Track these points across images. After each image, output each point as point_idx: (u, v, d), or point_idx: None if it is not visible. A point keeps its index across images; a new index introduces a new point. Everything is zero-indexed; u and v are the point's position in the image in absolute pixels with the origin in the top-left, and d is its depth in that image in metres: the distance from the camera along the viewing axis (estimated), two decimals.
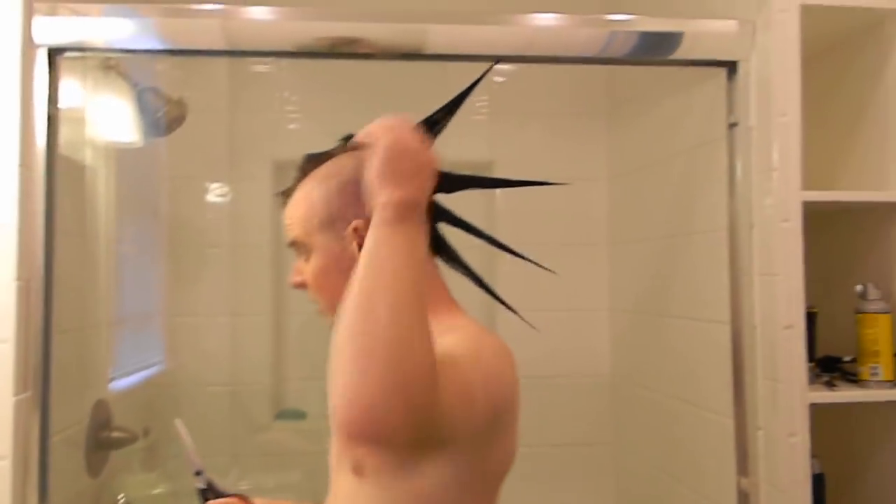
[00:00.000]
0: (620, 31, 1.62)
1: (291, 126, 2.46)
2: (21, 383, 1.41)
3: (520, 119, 2.44)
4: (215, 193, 2.47)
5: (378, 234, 0.81)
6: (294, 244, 1.05)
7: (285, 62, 2.43)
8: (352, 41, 1.59)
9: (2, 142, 1.41)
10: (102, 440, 1.77)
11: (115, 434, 1.79)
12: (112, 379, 2.03)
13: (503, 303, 1.05)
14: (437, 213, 1.03)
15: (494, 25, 1.61)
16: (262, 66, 2.49)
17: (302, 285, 1.05)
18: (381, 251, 0.80)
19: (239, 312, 2.35)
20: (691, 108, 1.88)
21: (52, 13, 1.46)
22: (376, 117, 0.91)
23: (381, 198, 0.82)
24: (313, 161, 1.06)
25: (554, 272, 1.18)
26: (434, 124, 1.02)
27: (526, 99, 2.45)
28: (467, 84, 1.06)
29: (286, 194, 1.07)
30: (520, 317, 1.06)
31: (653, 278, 2.15)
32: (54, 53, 1.49)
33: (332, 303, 0.98)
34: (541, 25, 1.61)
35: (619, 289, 2.39)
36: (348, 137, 1.05)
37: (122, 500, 1.62)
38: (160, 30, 1.53)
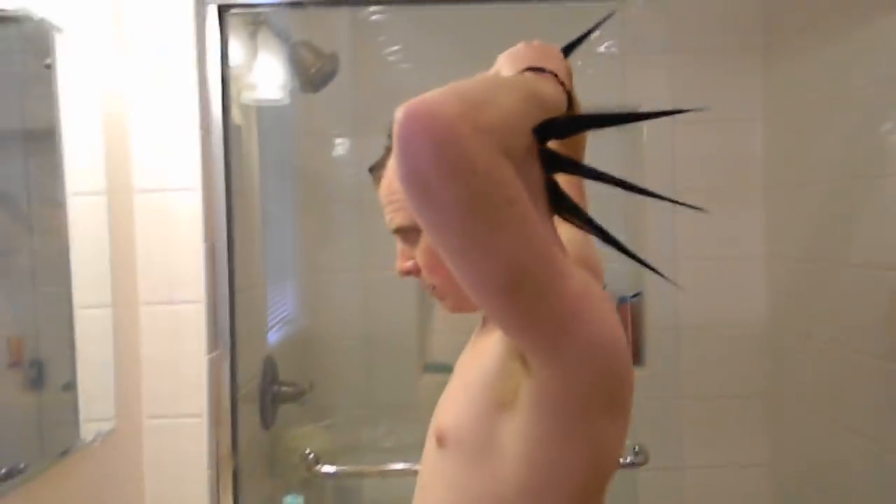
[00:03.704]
0: None
1: (416, 77, 2.41)
2: (212, 342, 1.44)
3: (662, 56, 2.31)
4: (344, 148, 2.46)
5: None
6: (400, 230, 0.91)
7: (407, 10, 2.37)
8: None
9: (182, 105, 1.42)
10: (273, 394, 1.81)
11: (285, 388, 1.83)
12: (269, 334, 2.07)
13: (640, 261, 0.87)
14: (553, 162, 0.82)
15: None
16: (380, 16, 2.43)
17: (412, 271, 0.93)
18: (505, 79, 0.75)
19: (384, 267, 2.35)
20: (881, 38, 1.72)
21: None
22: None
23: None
24: None
25: (706, 210, 1.02)
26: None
27: (668, 33, 2.31)
28: (588, 24, 0.92)
29: (379, 168, 0.93)
30: (659, 274, 0.87)
31: (822, 223, 2.02)
32: (223, 10, 1.48)
33: (451, 285, 0.87)
34: None
35: (777, 235, 2.26)
36: None
37: (310, 456, 1.65)
38: None
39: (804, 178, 2.09)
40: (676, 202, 0.88)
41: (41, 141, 1.28)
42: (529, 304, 0.68)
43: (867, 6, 1.74)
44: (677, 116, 0.97)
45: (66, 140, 1.27)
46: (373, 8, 2.40)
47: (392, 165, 0.92)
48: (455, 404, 0.87)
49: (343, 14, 2.40)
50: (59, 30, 1.23)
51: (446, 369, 2.39)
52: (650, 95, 2.28)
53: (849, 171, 1.89)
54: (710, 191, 2.31)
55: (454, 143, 0.60)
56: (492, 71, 0.88)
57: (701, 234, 2.30)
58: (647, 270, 0.88)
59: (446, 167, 0.60)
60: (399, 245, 0.95)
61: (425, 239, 0.90)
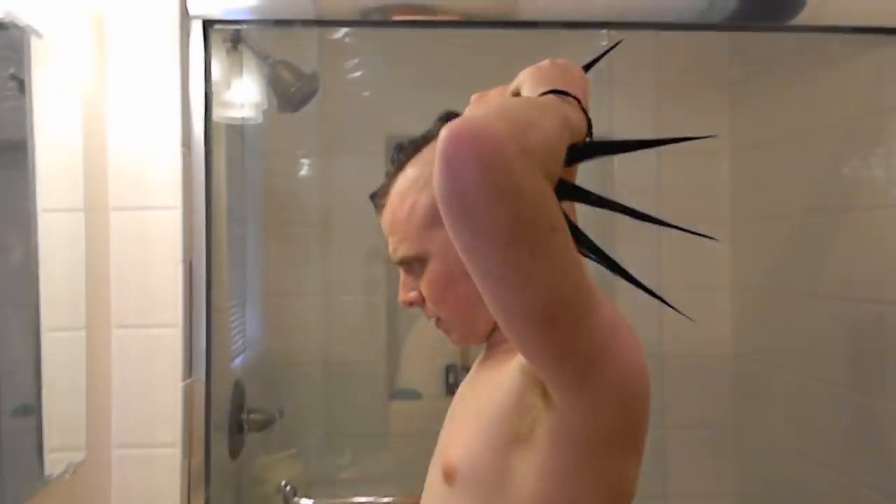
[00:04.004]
0: None
1: (382, 99, 2.39)
2: (187, 368, 1.38)
3: (627, 89, 2.34)
4: (308, 169, 2.42)
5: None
6: (405, 261, 0.90)
7: (374, 32, 2.36)
8: (435, 9, 1.51)
9: (164, 121, 1.37)
10: (242, 422, 1.74)
11: (254, 416, 1.76)
12: (233, 360, 2.01)
13: (652, 293, 0.81)
14: (561, 190, 0.79)
15: None
16: (348, 38, 2.41)
17: (416, 302, 0.92)
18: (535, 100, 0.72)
19: (349, 291, 2.31)
20: (848, 79, 1.77)
21: None
22: (471, 90, 0.86)
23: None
24: (408, 150, 0.91)
25: (716, 239, 1.03)
26: None
27: (639, 67, 2.35)
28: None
29: (381, 195, 0.91)
30: (673, 307, 0.81)
31: (788, 256, 2.06)
32: (207, 25, 1.43)
33: (459, 316, 0.89)
34: None
35: (744, 266, 2.31)
36: (447, 116, 0.89)
37: (287, 487, 1.58)
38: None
39: (770, 212, 2.14)
40: (690, 231, 0.87)
41: (10, 153, 1.22)
42: (564, 335, 0.66)
43: (836, 48, 1.80)
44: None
45: (38, 153, 1.20)
46: (343, 30, 2.38)
47: (397, 191, 0.90)
48: (464, 438, 0.84)
49: (311, 35, 2.37)
50: (38, 35, 1.17)
51: (414, 396, 2.36)
52: (617, 127, 2.31)
53: (814, 205, 1.94)
54: (677, 222, 2.33)
55: (502, 164, 0.58)
56: (512, 85, 0.86)
57: (668, 265, 2.32)
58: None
59: (493, 189, 0.58)
60: (402, 276, 0.92)
61: (431, 269, 0.88)
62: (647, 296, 0.82)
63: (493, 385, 0.83)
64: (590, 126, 0.78)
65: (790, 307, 2.04)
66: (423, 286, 0.89)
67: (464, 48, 2.12)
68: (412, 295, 0.91)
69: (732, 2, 1.55)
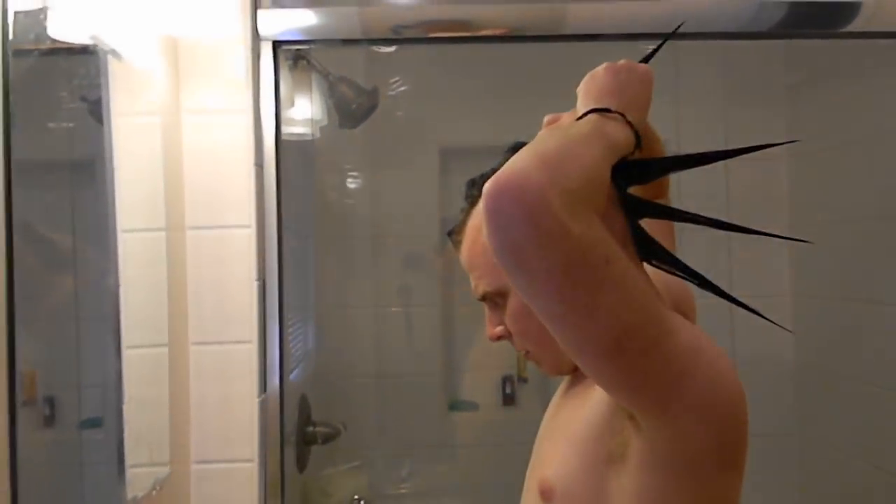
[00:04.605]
0: (769, 1, 1.48)
1: (438, 111, 2.39)
2: (262, 384, 1.40)
3: (687, 96, 2.33)
4: (365, 182, 2.43)
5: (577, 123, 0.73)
6: (487, 297, 0.90)
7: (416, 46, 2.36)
8: (484, 24, 1.51)
9: (237, 141, 1.39)
10: (308, 435, 1.76)
11: (320, 429, 1.78)
12: (295, 373, 2.03)
13: (745, 306, 0.80)
14: (636, 208, 0.79)
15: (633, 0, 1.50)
16: (399, 51, 2.41)
17: (503, 336, 0.92)
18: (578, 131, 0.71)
19: (408, 304, 2.32)
20: None
21: (276, 5, 1.42)
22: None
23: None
24: (480, 185, 0.89)
25: (809, 241, 1.01)
26: None
27: (693, 74, 2.33)
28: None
29: (458, 232, 0.92)
30: (767, 319, 0.80)
31: (850, 263, 2.03)
32: (276, 46, 1.46)
33: (543, 347, 0.89)
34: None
35: (805, 273, 2.27)
36: (515, 147, 0.87)
37: (361, 502, 1.60)
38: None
39: (830, 218, 2.11)
40: (782, 237, 0.87)
41: (85, 173, 1.24)
42: (636, 366, 0.66)
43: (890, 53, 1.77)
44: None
45: (118, 174, 1.23)
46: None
47: (472, 226, 0.90)
48: (559, 457, 0.84)
49: (359, 49, 2.39)
50: (118, 58, 1.20)
51: (471, 407, 2.37)
52: (677, 134, 2.28)
53: (877, 211, 1.90)
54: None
55: (546, 211, 0.59)
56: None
57: (727, 272, 2.30)
58: None
59: (541, 236, 0.59)
60: (487, 311, 0.93)
61: (512, 304, 0.88)
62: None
63: (586, 405, 0.84)
64: (638, 138, 0.75)
65: (852, 314, 2.01)
66: (507, 320, 0.90)
67: (515, 58, 2.13)
68: (498, 330, 0.92)
69: (781, 10, 1.53)
